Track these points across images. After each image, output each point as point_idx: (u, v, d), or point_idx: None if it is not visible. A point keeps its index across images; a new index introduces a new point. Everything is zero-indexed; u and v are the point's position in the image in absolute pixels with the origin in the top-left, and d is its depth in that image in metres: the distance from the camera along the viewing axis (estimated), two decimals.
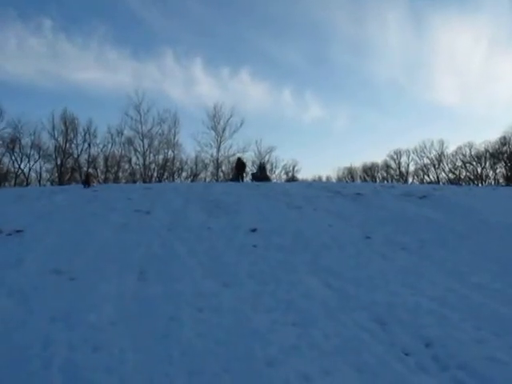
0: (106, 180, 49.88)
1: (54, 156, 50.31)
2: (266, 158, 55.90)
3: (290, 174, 59.96)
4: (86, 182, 16.54)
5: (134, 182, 48.67)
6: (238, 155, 30.41)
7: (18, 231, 10.36)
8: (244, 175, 27.32)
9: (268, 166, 56.17)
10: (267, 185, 20.43)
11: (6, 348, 5.13)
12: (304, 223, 12.10)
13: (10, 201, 14.59)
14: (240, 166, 26.28)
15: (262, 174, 18.42)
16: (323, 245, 10.03)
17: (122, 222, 11.02)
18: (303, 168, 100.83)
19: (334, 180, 63.82)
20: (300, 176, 61.21)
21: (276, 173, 58.54)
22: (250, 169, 28.90)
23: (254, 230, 10.90)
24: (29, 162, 50.14)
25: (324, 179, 64.57)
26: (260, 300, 6.68)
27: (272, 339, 5.30)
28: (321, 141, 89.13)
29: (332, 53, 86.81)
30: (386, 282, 7.71)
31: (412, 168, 64.26)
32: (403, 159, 65.11)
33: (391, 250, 9.89)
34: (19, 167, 49.94)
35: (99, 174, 49.52)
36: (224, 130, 51.77)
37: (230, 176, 35.17)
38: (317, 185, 21.29)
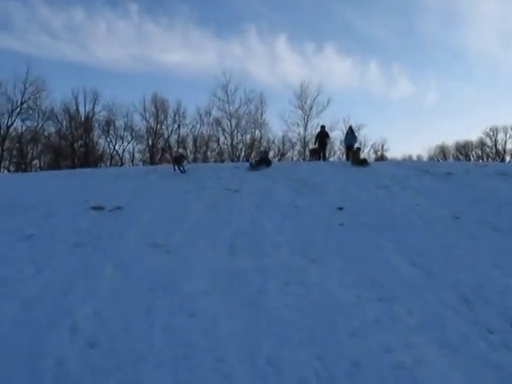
0: (195, 160, 51.49)
1: (145, 137, 52.69)
2: (356, 136, 55.05)
3: (379, 153, 58.71)
4: (177, 163, 16.47)
5: (222, 161, 49.81)
6: (322, 124, 27.70)
7: (118, 208, 11.17)
8: (326, 147, 25.17)
9: (357, 145, 55.49)
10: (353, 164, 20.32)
11: (115, 312, 5.74)
12: (391, 202, 12.05)
13: (109, 180, 15.62)
14: (323, 136, 23.84)
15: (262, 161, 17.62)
16: (410, 224, 10.00)
17: (213, 200, 11.57)
18: (392, 147, 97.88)
19: (424, 159, 61.42)
20: (389, 155, 59.57)
21: (364, 152, 57.62)
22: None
23: (340, 209, 11.04)
24: (122, 143, 52.90)
25: (414, 158, 62.11)
26: (345, 276, 6.91)
27: (356, 313, 5.54)
28: (410, 118, 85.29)
29: (421, 25, 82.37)
30: (474, 263, 7.63)
31: (510, 146, 60.25)
32: (500, 136, 60.91)
33: (481, 231, 9.67)
34: (114, 148, 52.79)
35: (188, 154, 51.16)
36: (311, 108, 51.66)
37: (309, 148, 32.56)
38: (406, 164, 20.88)
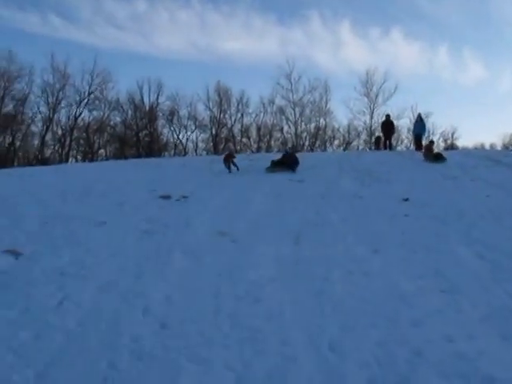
0: (258, 149, 51.86)
1: (209, 126, 53.52)
2: (426, 125, 53.47)
3: (449, 142, 56.75)
4: (228, 161, 15.19)
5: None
6: (387, 113, 26.89)
7: (184, 197, 11.64)
8: (392, 137, 24.47)
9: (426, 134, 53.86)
10: (421, 154, 19.97)
11: (184, 296, 6.11)
12: (459, 194, 11.87)
13: (175, 169, 16.23)
14: (388, 125, 23.36)
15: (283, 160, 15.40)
16: (478, 216, 9.82)
17: (277, 190, 11.82)
18: (463, 135, 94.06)
19: (498, 147, 58.59)
20: (460, 143, 57.48)
21: (433, 140, 55.93)
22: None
23: (406, 200, 11.00)
24: (186, 132, 54.00)
25: (487, 147, 59.40)
26: (409, 267, 6.96)
27: (418, 303, 5.61)
28: (483, 104, 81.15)
29: (495, 6, 78.44)
30: None
31: None
32: None
33: None
34: (178, 137, 54.02)
35: (235, 151, 51.71)
36: (377, 95, 50.79)
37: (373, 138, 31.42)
38: (476, 153, 20.32)
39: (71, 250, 8.01)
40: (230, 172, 14.43)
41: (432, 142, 19.22)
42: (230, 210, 10.48)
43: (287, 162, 15.00)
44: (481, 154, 19.03)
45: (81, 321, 5.49)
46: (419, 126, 22.52)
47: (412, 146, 30.96)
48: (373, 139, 42.80)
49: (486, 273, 6.72)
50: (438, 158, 16.71)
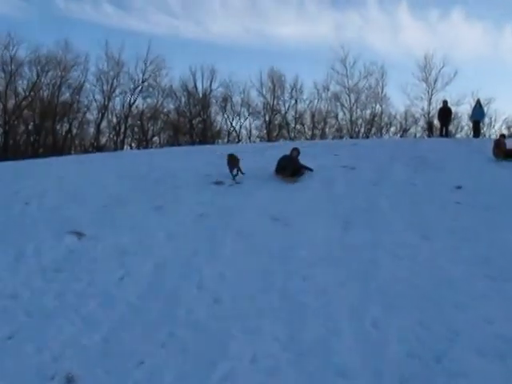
0: (312, 136, 51.58)
1: (262, 113, 53.31)
2: (485, 111, 51.69)
3: None
4: (232, 166, 12.29)
5: (341, 137, 49.44)
6: (444, 99, 25.76)
7: (237, 183, 11.96)
8: (449, 123, 23.67)
9: (486, 120, 52.05)
10: (479, 141, 19.52)
11: (236, 274, 6.51)
12: None
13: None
14: (445, 111, 22.45)
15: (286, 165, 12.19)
16: None
17: (328, 176, 11.99)
18: None
19: None
20: None
21: (495, 127, 53.89)
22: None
23: (459, 187, 10.94)
24: (239, 119, 53.82)
25: None
26: (457, 253, 7.08)
27: (462, 288, 5.78)
28: None
29: None
30: None
31: None
32: None
33: None
34: (231, 124, 54.16)
35: (306, 130, 51.36)
36: (436, 81, 48.97)
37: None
38: None
39: (130, 232, 8.56)
40: (234, 180, 12.13)
41: (503, 136, 16.22)
42: (283, 195, 10.76)
43: (292, 167, 12.07)
44: None
45: (140, 294, 6.00)
46: (478, 111, 21.94)
47: (471, 133, 30.01)
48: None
49: None
50: (510, 155, 14.04)
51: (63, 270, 6.90)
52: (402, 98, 77.49)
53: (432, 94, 48.67)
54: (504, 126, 52.76)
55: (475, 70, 70.03)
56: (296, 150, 12.77)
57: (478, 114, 22.08)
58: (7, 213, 9.95)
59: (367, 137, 50.66)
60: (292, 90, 52.90)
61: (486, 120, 49.77)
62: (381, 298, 5.55)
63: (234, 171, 12.19)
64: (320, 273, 6.45)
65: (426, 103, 48.78)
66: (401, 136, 50.73)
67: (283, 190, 11.22)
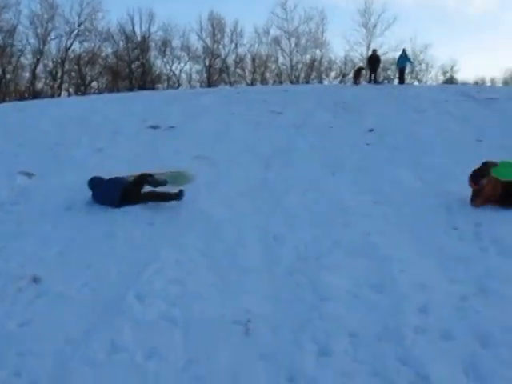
0: (253, 81, 52.13)
1: (202, 57, 53.21)
2: (421, 58, 53.55)
3: (448, 75, 56.62)
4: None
5: (281, 82, 50.30)
6: (374, 48, 27.32)
7: (171, 127, 12.96)
8: (377, 71, 25.21)
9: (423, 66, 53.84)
10: (400, 88, 20.98)
11: None
12: (422, 126, 13.11)
13: (166, 102, 17.35)
14: (374, 60, 23.91)
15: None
16: (432, 145, 11.18)
17: (256, 121, 13.12)
18: (464, 68, 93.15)
19: (499, 82, 58.33)
20: (460, 77, 57.25)
21: (432, 73, 55.94)
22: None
23: (371, 130, 12.32)
24: (179, 63, 53.72)
25: (488, 81, 59.23)
26: (355, 186, 8.43)
27: (351, 211, 7.10)
28: (487, 37, 79.98)
29: None
30: None
31: None
32: None
33: (493, 152, 10.67)
34: (171, 69, 53.88)
35: (247, 74, 51.69)
36: (375, 26, 50.45)
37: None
38: (453, 88, 21.33)
39: (74, 171, 9.43)
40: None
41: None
42: (212, 138, 11.82)
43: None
44: (456, 90, 20.06)
45: (83, 218, 7.05)
46: (403, 59, 23.54)
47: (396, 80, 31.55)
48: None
49: (418, 190, 8.17)
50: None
51: (19, 203, 7.84)
52: (342, 43, 78.69)
53: (371, 40, 50.03)
54: (440, 72, 55.06)
55: (414, 16, 71.49)
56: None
57: (402, 61, 23.58)
58: None
59: (307, 82, 51.66)
60: (232, 34, 53.07)
61: (423, 66, 51.88)
62: (285, 219, 6.83)
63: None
64: (240, 203, 7.63)
65: (364, 48, 50.12)
66: (340, 81, 52.06)
67: (212, 132, 12.28)
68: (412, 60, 26.13)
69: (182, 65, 53.88)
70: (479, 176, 7.10)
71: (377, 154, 10.55)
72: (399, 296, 4.64)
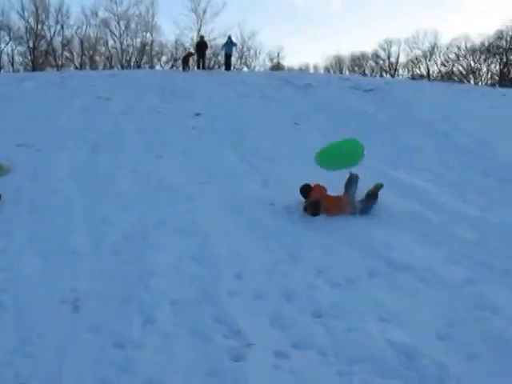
0: (81, 65, 49.94)
1: (25, 38, 49.38)
2: (249, 44, 55.62)
3: (275, 61, 59.10)
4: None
5: (111, 66, 48.88)
6: (201, 34, 28.01)
7: None
8: (205, 57, 25.48)
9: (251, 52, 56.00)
10: (228, 74, 21.77)
11: None
12: (247, 110, 13.89)
13: None
14: (202, 45, 24.46)
15: None
16: (255, 128, 11.94)
17: (83, 107, 12.84)
18: (291, 55, 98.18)
19: (321, 69, 62.37)
20: (286, 63, 60.09)
21: (260, 59, 58.20)
22: None
23: (198, 115, 12.75)
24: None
25: (311, 68, 63.00)
26: (181, 167, 8.82)
27: (176, 191, 7.50)
28: (312, 26, 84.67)
29: None
30: (291, 159, 9.60)
31: (403, 59, 59.95)
32: (393, 49, 59.48)
33: (310, 135, 11.81)
34: None
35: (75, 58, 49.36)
36: (205, 12, 51.10)
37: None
38: (276, 75, 22.69)
39: None
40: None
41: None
42: (38, 124, 11.34)
43: None
44: (279, 76, 21.34)
45: None
46: (229, 46, 24.40)
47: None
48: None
49: (242, 170, 8.77)
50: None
51: None
52: (173, 28, 78.16)
53: (201, 25, 50.62)
54: (267, 58, 57.63)
55: (243, 3, 73.44)
56: None
57: (228, 48, 24.44)
58: None
59: (139, 66, 50.85)
60: (58, 14, 49.72)
61: (251, 52, 53.99)
62: (111, 201, 6.99)
63: None
64: (67, 187, 7.63)
65: (195, 34, 50.50)
66: (172, 66, 52.02)
67: (39, 117, 11.78)
68: (236, 46, 27.15)
69: (3, 46, 49.35)
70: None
71: (203, 137, 11.01)
72: (218, 266, 5.12)
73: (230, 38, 25.07)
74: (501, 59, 52.52)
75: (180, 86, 16.04)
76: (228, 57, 24.49)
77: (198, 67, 24.62)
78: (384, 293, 4.54)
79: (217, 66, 47.82)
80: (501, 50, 51.54)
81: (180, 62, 29.49)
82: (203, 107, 13.52)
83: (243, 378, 3.33)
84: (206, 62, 26.89)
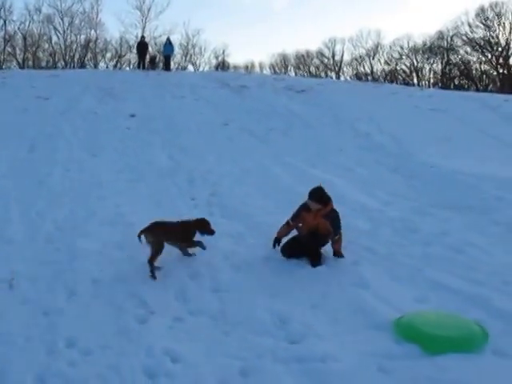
0: (24, 61, 49.03)
1: None
2: (194, 41, 56.01)
3: (220, 59, 59.37)
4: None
5: (55, 63, 48.26)
6: (142, 34, 28.59)
7: None
8: (146, 58, 25.81)
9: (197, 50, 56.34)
10: (166, 75, 22.34)
11: None
12: (180, 110, 14.73)
13: None
14: (142, 46, 24.93)
15: None
16: (186, 128, 12.82)
17: (22, 107, 13.33)
18: (236, 52, 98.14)
19: (266, 67, 63.47)
20: (231, 61, 60.58)
21: (205, 57, 58.54)
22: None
23: (133, 116, 13.47)
24: None
25: (257, 65, 64.12)
26: (115, 164, 9.62)
27: (107, 187, 8.34)
28: (258, 23, 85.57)
29: None
30: (219, 158, 10.51)
31: (347, 58, 61.39)
32: (338, 48, 60.56)
33: (239, 135, 12.75)
34: None
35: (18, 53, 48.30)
36: (149, 9, 51.24)
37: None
38: (214, 75, 23.46)
39: None
40: None
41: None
42: None
43: None
44: (216, 77, 22.11)
45: None
46: (168, 47, 25.06)
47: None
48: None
49: (169, 169, 9.63)
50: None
51: None
52: (117, 25, 77.29)
53: (146, 23, 50.71)
54: (213, 56, 58.08)
55: (187, 1, 73.28)
56: None
57: (168, 49, 25.10)
58: None
59: (82, 62, 50.41)
60: (0, 9, 48.60)
61: (197, 50, 54.39)
62: (46, 196, 7.78)
63: None
64: (3, 184, 8.33)
65: (140, 31, 50.49)
66: (116, 62, 51.83)
67: None
68: (174, 48, 27.87)
69: None
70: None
71: (136, 137, 11.82)
72: (137, 251, 5.93)
73: (168, 39, 25.79)
74: (442, 58, 54.28)
75: (118, 87, 16.65)
76: (167, 58, 25.11)
77: (139, 67, 25.01)
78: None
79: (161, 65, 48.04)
80: (441, 49, 53.34)
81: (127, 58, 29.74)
82: (139, 108, 14.25)
83: (144, 336, 4.20)
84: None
